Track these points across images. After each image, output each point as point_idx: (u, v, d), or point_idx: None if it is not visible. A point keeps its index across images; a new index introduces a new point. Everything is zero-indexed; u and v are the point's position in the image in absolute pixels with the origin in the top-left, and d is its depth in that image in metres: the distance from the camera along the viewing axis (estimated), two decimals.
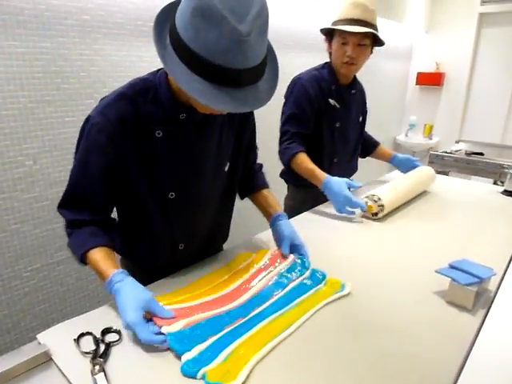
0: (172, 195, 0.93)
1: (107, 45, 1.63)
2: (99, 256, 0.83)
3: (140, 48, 1.74)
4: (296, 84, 1.56)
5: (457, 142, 3.84)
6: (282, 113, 1.60)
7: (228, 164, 1.04)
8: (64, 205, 0.90)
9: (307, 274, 1.01)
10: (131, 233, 1.02)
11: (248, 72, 0.71)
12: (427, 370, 0.73)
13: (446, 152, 3.11)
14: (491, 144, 3.43)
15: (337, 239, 1.28)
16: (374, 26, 1.47)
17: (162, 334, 0.75)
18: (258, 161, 1.23)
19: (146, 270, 1.04)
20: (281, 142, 1.57)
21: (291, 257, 1.05)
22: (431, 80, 4.13)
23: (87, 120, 0.86)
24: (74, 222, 0.88)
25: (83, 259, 0.85)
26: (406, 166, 1.80)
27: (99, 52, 1.61)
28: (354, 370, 0.72)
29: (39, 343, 0.75)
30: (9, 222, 1.50)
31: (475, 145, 3.40)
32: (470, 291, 0.89)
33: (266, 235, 1.27)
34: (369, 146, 1.90)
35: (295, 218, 1.45)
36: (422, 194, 1.73)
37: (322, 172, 1.47)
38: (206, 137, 0.94)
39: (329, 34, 1.54)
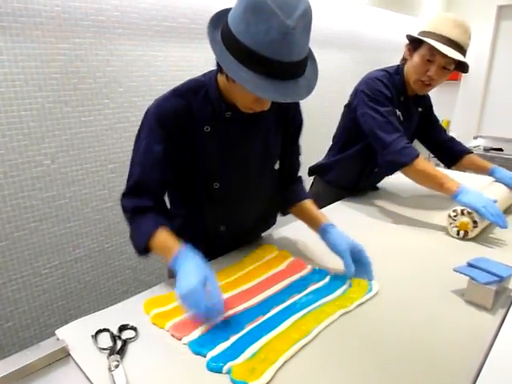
0: (216, 185, 1.00)
1: (122, 45, 1.65)
2: (165, 235, 0.90)
3: (154, 47, 1.75)
4: (377, 79, 1.42)
5: (475, 138, 3.77)
6: (371, 108, 1.40)
7: (278, 162, 1.09)
8: (127, 194, 0.97)
9: (327, 279, 0.99)
10: (178, 212, 1.08)
11: (290, 65, 0.77)
12: (445, 370, 0.71)
13: None
14: (511, 139, 3.36)
15: (352, 237, 1.26)
16: (465, 52, 1.34)
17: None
18: None
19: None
20: (393, 140, 1.34)
21: (309, 267, 1.04)
22: None
23: (146, 113, 0.95)
24: (136, 209, 0.94)
25: (146, 244, 0.90)
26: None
27: (114, 52, 1.63)
28: (374, 370, 0.71)
29: (57, 339, 0.77)
30: (28, 220, 1.53)
31: (494, 140, 3.34)
32: (490, 290, 0.87)
33: (282, 232, 1.27)
34: (454, 154, 1.69)
35: None
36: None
37: (451, 178, 1.31)
38: (250, 136, 1.00)
39: (415, 42, 1.39)
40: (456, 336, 0.80)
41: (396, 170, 1.39)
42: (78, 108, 1.57)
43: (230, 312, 0.84)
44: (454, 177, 1.33)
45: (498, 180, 1.54)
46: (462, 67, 1.38)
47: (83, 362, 0.71)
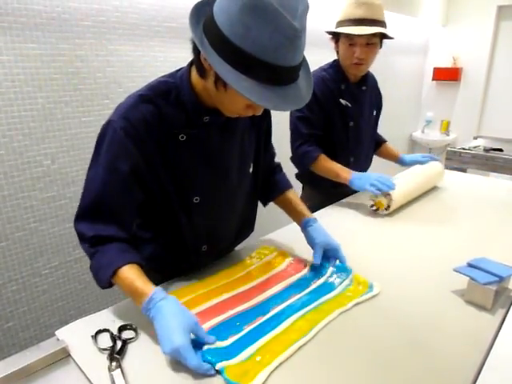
0: (196, 199, 0.91)
1: (122, 45, 1.65)
2: (132, 274, 0.76)
3: (154, 48, 1.76)
4: None
5: (475, 138, 3.77)
6: (290, 114, 1.57)
7: (252, 165, 1.03)
8: (83, 217, 0.82)
9: (329, 272, 1.00)
10: (153, 238, 0.98)
11: (293, 69, 0.72)
12: (445, 370, 0.71)
13: (464, 148, 3.06)
14: (511, 140, 3.35)
15: (352, 238, 1.27)
16: (381, 23, 1.41)
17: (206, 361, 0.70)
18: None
19: (168, 276, 1.00)
20: (297, 146, 1.54)
21: (308, 266, 1.05)
22: (448, 75, 4.05)
23: (108, 125, 0.81)
24: (97, 238, 0.80)
25: (110, 280, 0.78)
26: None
27: (114, 53, 1.63)
28: (373, 371, 0.71)
29: (58, 339, 0.77)
30: (28, 221, 1.53)
31: (494, 141, 3.33)
32: (489, 290, 0.87)
33: (281, 233, 1.27)
34: (375, 144, 1.84)
35: None
36: (439, 191, 1.70)
37: (347, 169, 1.48)
38: (228, 140, 0.93)
39: (335, 34, 1.50)
40: (456, 336, 0.80)
41: (304, 170, 1.58)
42: (78, 108, 1.57)
43: (230, 313, 0.84)
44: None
45: (410, 163, 1.74)
46: (387, 36, 1.46)
47: (83, 362, 0.71)
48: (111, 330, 0.78)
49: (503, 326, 0.80)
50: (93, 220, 0.81)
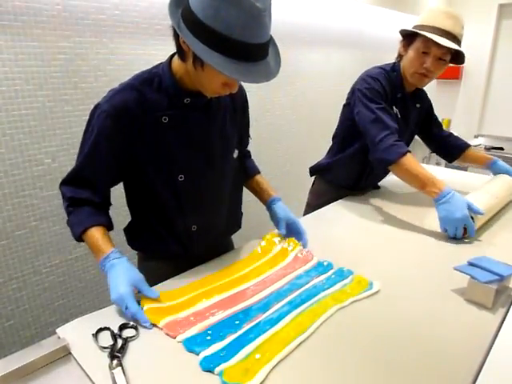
0: (181, 177, 0.97)
1: (123, 43, 1.65)
2: (98, 234, 0.91)
3: (155, 46, 1.75)
4: (371, 77, 1.42)
5: (476, 137, 3.77)
6: (365, 106, 1.40)
7: (236, 151, 1.09)
8: (67, 182, 0.96)
9: (331, 272, 1.01)
10: (146, 221, 1.05)
11: (261, 47, 0.79)
12: (446, 369, 0.71)
13: None
14: (511, 138, 3.35)
15: (351, 236, 1.27)
16: (460, 43, 1.34)
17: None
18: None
19: (168, 261, 1.08)
20: (382, 137, 1.32)
21: (315, 259, 1.06)
22: (449, 74, 4.05)
23: (95, 107, 0.92)
24: (74, 199, 0.94)
25: (81, 236, 0.92)
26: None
27: (115, 51, 1.63)
28: (373, 369, 0.71)
29: (58, 338, 0.77)
30: (29, 219, 1.53)
31: (495, 139, 3.33)
32: (490, 289, 0.87)
33: None
34: (454, 149, 1.71)
35: (309, 215, 1.45)
36: None
37: (439, 181, 1.27)
38: (209, 121, 0.99)
39: (408, 36, 1.40)
40: (456, 335, 0.80)
41: (385, 168, 1.37)
42: (78, 107, 1.57)
43: (229, 311, 0.84)
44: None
45: (497, 171, 1.61)
46: (458, 59, 1.39)
47: (84, 360, 0.71)
48: (112, 328, 0.78)
49: (503, 325, 0.80)
50: (73, 184, 0.95)
